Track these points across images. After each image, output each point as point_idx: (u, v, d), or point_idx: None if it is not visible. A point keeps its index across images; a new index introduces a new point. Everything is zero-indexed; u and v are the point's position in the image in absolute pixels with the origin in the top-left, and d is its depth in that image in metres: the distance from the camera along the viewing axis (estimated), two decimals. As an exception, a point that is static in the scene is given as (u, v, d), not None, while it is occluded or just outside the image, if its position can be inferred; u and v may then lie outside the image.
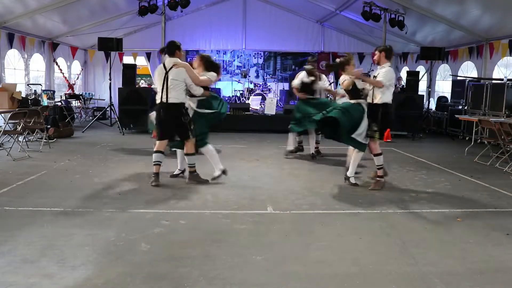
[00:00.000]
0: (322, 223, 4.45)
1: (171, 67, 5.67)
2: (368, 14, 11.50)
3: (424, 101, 12.46)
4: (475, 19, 10.55)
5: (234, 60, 16.29)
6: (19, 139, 8.24)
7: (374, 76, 5.99)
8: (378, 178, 5.97)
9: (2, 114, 8.57)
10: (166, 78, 5.66)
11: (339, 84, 6.55)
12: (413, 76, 12.04)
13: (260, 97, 14.06)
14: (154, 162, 5.85)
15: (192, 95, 5.95)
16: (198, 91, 5.88)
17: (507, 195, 5.70)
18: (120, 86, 11.75)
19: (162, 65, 5.78)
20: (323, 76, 8.14)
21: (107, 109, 12.98)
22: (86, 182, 5.88)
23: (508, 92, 9.56)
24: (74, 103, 13.57)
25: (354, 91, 5.86)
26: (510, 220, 4.64)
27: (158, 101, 5.79)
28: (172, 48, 5.80)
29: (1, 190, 5.36)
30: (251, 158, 7.99)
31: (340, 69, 6.01)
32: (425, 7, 10.82)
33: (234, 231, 4.16)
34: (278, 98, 14.41)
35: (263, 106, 12.94)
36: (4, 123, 7.94)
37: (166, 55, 5.86)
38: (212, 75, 6.07)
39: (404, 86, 13.08)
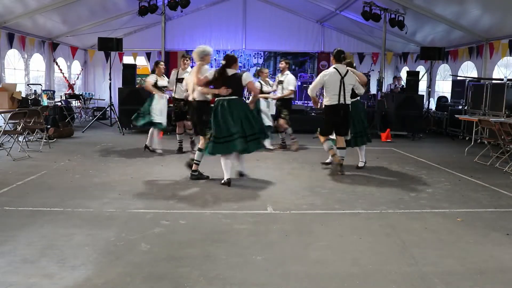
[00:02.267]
0: (322, 223, 4.45)
1: (347, 72, 6.57)
2: (368, 14, 11.50)
3: (424, 101, 12.46)
4: (475, 19, 10.55)
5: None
6: (19, 139, 8.24)
7: (281, 81, 8.68)
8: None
9: (2, 114, 8.58)
10: (342, 83, 6.49)
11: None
12: (413, 76, 12.03)
13: (260, 97, 14.02)
14: (340, 157, 6.72)
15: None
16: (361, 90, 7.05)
17: (507, 195, 5.70)
18: (120, 86, 11.76)
19: (336, 70, 6.54)
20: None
21: (107, 109, 12.98)
22: (86, 182, 5.88)
23: (508, 92, 9.56)
24: (74, 103, 13.56)
25: None
26: (510, 220, 4.64)
27: (335, 102, 6.50)
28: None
29: (1, 190, 5.36)
30: (251, 158, 7.97)
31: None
32: (425, 7, 10.82)
33: (234, 231, 4.16)
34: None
35: (263, 106, 12.91)
36: (4, 123, 7.94)
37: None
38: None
39: (404, 86, 13.08)
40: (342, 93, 6.50)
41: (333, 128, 6.73)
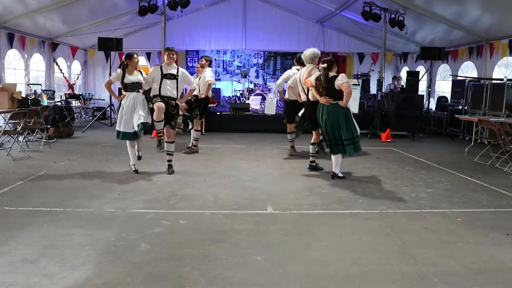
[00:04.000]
0: (322, 223, 4.45)
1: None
2: (368, 14, 11.49)
3: (424, 101, 12.45)
4: (475, 19, 10.55)
5: (234, 60, 16.29)
6: (19, 139, 8.24)
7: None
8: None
9: (2, 114, 8.57)
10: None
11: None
12: (413, 76, 12.03)
13: (260, 97, 14.04)
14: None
15: None
16: None
17: (507, 195, 5.70)
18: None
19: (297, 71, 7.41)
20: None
21: (107, 109, 12.99)
22: (86, 182, 5.88)
23: (508, 92, 9.55)
24: (74, 103, 13.56)
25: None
26: (510, 220, 4.64)
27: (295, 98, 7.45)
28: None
29: (1, 190, 5.36)
30: (251, 158, 7.99)
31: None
32: (425, 7, 10.82)
33: (234, 231, 4.16)
34: (278, 98, 14.42)
35: (263, 106, 12.93)
36: (4, 123, 7.94)
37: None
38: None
39: (404, 86, 13.08)
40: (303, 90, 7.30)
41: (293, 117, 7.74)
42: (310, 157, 7.05)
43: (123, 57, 6.71)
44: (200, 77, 8.48)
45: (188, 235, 4.04)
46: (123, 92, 6.59)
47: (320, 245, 3.87)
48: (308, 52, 7.00)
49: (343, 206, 5.07)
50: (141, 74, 6.65)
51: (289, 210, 4.85)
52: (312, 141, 7.00)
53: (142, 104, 6.48)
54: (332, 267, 3.42)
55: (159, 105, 6.36)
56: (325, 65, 6.21)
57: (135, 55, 6.62)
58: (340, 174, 6.44)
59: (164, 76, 6.54)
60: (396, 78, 14.59)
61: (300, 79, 6.99)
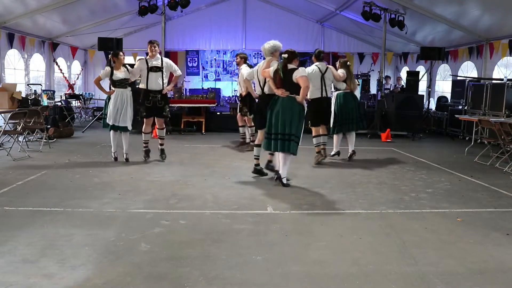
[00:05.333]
0: (322, 223, 4.45)
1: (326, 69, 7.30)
2: (368, 14, 11.50)
3: (424, 101, 12.46)
4: (475, 19, 10.56)
5: (234, 60, 16.27)
6: (19, 139, 8.23)
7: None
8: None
9: (2, 114, 8.58)
10: (323, 79, 7.22)
11: None
12: (413, 76, 12.04)
13: (260, 97, 14.05)
14: (322, 143, 7.39)
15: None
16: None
17: (507, 195, 5.70)
18: (120, 86, 11.75)
19: (317, 68, 7.24)
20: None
21: (107, 109, 12.96)
22: (86, 182, 5.88)
23: (508, 92, 9.56)
24: (74, 103, 13.57)
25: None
26: (510, 220, 4.64)
27: (318, 96, 7.22)
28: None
29: (1, 190, 5.35)
30: (251, 158, 7.97)
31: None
32: (425, 7, 10.82)
33: (234, 231, 4.16)
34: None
35: (263, 106, 12.91)
36: (4, 123, 7.94)
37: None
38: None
39: (404, 86, 13.08)
40: (323, 87, 7.27)
41: (318, 117, 7.37)
42: (255, 160, 6.44)
43: (110, 55, 7.25)
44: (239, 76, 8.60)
45: (188, 235, 4.03)
46: (112, 88, 7.14)
47: (320, 245, 3.87)
48: (268, 45, 6.46)
49: (343, 206, 5.07)
50: (127, 69, 7.17)
51: (289, 210, 4.85)
52: (256, 142, 6.45)
53: (129, 102, 7.14)
54: (332, 267, 3.42)
55: (146, 121, 7.28)
56: (286, 55, 5.76)
57: (121, 53, 7.22)
58: (285, 181, 5.84)
59: (150, 69, 7.07)
60: (388, 77, 14.55)
61: (258, 71, 6.43)
